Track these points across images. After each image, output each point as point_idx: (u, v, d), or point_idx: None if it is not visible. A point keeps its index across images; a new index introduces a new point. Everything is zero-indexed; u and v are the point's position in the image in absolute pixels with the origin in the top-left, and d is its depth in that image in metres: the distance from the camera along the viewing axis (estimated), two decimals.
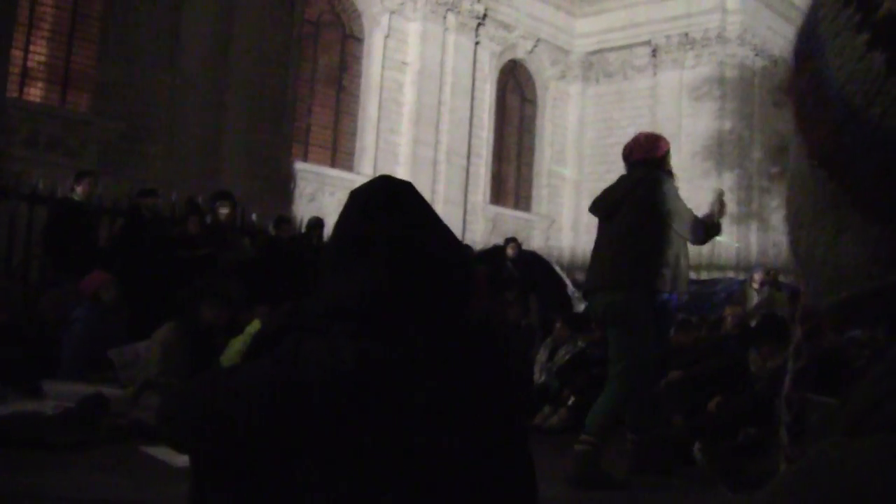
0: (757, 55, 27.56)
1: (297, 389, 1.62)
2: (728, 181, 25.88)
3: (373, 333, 1.68)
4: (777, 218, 27.23)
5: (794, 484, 0.58)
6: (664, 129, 27.13)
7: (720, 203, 5.72)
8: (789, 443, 0.97)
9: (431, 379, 1.70)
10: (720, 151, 26.59)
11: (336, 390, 1.62)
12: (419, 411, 1.67)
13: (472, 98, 25.66)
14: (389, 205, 1.79)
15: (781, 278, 16.43)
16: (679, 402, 6.60)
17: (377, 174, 16.01)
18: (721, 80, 26.98)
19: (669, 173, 5.61)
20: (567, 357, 8.96)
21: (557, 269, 17.50)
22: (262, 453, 1.62)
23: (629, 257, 5.40)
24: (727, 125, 26.86)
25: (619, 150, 5.79)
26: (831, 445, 0.58)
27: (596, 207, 5.71)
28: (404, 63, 24.50)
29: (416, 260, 1.76)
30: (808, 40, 0.65)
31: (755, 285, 14.76)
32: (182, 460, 5.07)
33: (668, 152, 5.70)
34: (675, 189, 5.58)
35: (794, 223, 0.68)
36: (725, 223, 22.43)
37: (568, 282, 16.89)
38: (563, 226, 28.66)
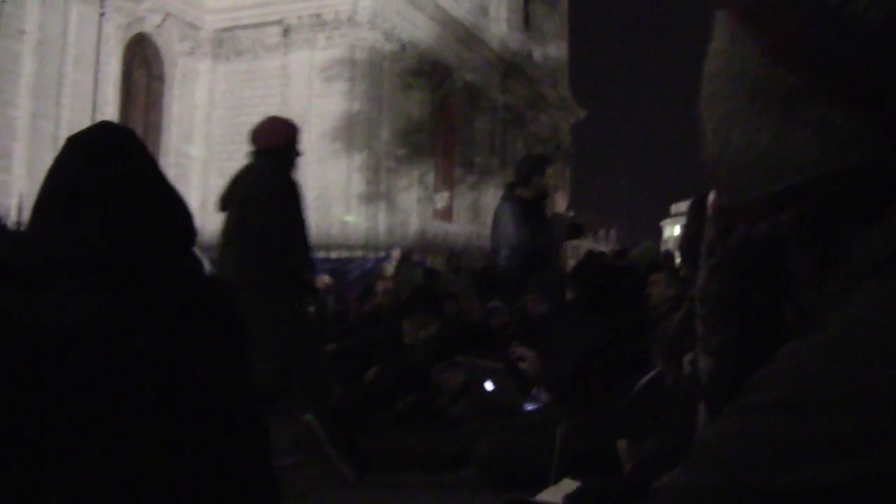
0: (387, 39, 29.77)
1: (22, 348, 1.57)
2: (357, 162, 28.25)
3: (101, 285, 1.67)
4: (403, 198, 29.75)
5: (869, 321, 0.65)
6: (295, 110, 27.48)
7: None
8: (704, 334, 1.26)
9: (163, 331, 1.70)
10: (350, 133, 28.48)
11: (68, 345, 1.59)
12: (153, 364, 1.66)
13: (97, 72, 25.61)
14: (113, 152, 1.80)
15: (414, 256, 17.95)
16: (337, 374, 6.62)
17: None
18: (351, 63, 28.99)
19: (290, 162, 5.58)
20: None
21: (196, 251, 19.10)
22: None
23: (231, 254, 5.44)
24: (357, 107, 28.84)
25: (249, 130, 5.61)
26: (876, 288, 0.67)
27: (219, 199, 5.67)
28: (22, 31, 23.82)
29: (143, 208, 1.78)
30: None
31: (394, 262, 15.26)
32: None
33: (290, 140, 5.62)
34: (289, 185, 5.50)
35: (723, 124, 0.76)
36: (355, 203, 24.57)
37: (206, 262, 18.66)
38: (191, 206, 28.98)
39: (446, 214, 34.34)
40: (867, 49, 0.67)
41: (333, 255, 23.07)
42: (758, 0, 0.75)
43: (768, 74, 0.73)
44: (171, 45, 29.27)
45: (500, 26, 37.97)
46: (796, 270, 0.82)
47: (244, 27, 30.11)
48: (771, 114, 0.73)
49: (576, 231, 7.79)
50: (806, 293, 0.81)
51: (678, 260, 8.60)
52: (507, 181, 7.78)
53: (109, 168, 1.77)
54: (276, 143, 5.53)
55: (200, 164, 29.92)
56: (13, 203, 19.54)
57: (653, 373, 3.82)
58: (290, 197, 5.49)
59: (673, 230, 54.62)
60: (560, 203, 7.51)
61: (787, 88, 0.72)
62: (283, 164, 5.54)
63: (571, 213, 7.66)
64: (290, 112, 28.11)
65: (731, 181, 0.79)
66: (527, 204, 6.92)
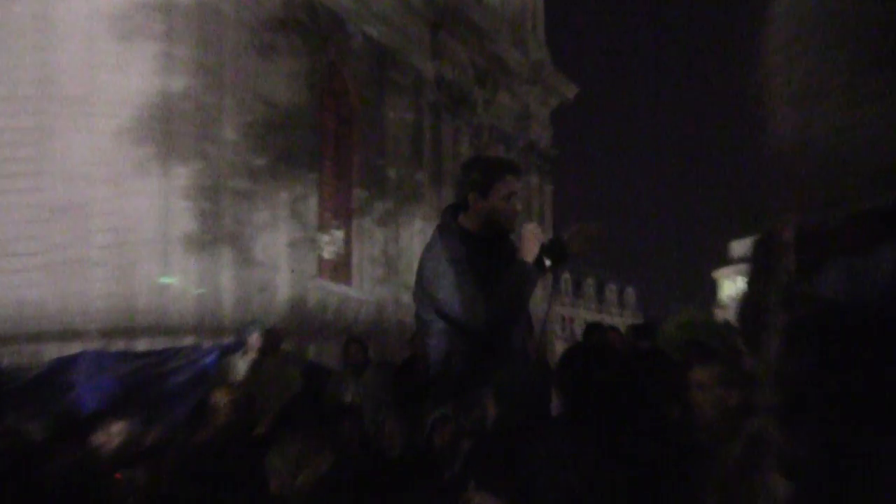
0: None
1: None
2: (182, 181, 21.46)
3: None
4: (265, 243, 23.24)
5: None
6: (67, 88, 21.91)
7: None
8: (782, 442, 0.92)
9: None
10: (168, 130, 21.27)
11: None
12: None
13: None
14: None
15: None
16: None
17: None
18: (168, 8, 21.64)
19: None
20: None
21: None
22: None
23: None
24: (180, 84, 21.63)
25: None
26: None
27: None
28: None
29: None
30: None
31: (251, 353, 12.26)
32: None
33: None
34: None
35: (807, 95, 0.67)
36: (178, 254, 16.60)
37: None
38: None
39: (340, 269, 26.52)
40: None
41: (141, 345, 17.90)
42: None
43: None
44: None
45: None
46: None
47: None
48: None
49: (558, 255, 5.23)
50: None
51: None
52: (446, 204, 5.71)
53: None
54: None
55: None
56: None
57: None
58: None
59: (735, 284, 46.71)
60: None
61: None
62: None
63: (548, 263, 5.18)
64: (60, 91, 22.17)
65: (820, 186, 0.57)
66: (474, 240, 4.92)
